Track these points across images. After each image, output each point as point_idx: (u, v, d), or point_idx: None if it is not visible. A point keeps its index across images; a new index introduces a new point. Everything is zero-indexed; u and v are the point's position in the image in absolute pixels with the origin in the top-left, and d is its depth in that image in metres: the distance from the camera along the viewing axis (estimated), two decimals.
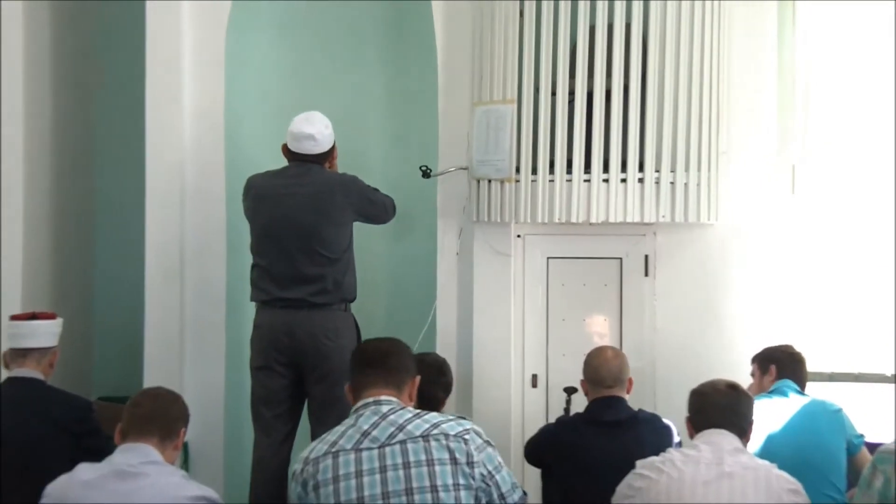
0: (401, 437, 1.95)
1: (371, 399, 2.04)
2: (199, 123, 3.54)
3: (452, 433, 1.95)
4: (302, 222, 2.94)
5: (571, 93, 3.17)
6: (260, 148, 3.51)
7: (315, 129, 2.99)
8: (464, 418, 2.07)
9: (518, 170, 3.21)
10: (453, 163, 3.41)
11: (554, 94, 3.19)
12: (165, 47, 3.44)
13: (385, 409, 2.01)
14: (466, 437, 1.96)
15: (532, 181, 3.19)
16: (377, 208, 3.13)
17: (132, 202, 3.60)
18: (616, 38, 3.09)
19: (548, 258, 3.40)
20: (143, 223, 3.47)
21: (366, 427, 1.98)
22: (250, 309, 3.13)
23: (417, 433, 1.95)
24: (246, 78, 3.62)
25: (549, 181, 3.17)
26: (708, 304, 3.28)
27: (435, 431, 1.96)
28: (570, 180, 3.15)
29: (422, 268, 3.60)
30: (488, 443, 2.02)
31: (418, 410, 2.05)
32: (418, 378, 2.19)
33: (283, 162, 3.10)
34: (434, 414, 2.03)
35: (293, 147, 3.02)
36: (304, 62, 3.70)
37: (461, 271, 3.45)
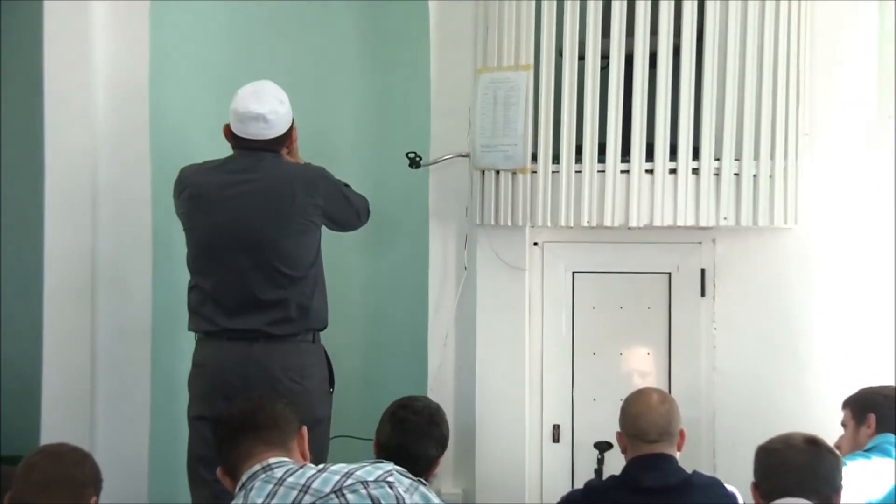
0: (308, 499, 1.96)
1: (258, 466, 2.05)
2: (117, 101, 3.51)
3: (371, 479, 1.97)
4: (254, 231, 2.92)
5: (605, 56, 3.13)
6: (196, 131, 3.49)
7: (266, 107, 2.93)
8: (382, 461, 2.10)
9: (535, 157, 3.18)
10: (450, 149, 3.39)
11: (582, 58, 3.14)
12: (68, 2, 3.40)
13: (279, 472, 2.03)
14: (390, 479, 1.99)
15: (553, 172, 3.16)
16: (350, 210, 3.12)
17: (33, 204, 3.57)
18: None
19: (573, 273, 3.38)
20: (41, 231, 3.45)
21: (260, 501, 1.98)
22: (188, 342, 3.10)
23: (328, 489, 1.97)
24: (177, 42, 3.58)
25: (576, 172, 3.14)
26: (784, 335, 3.25)
27: (349, 482, 1.97)
28: (602, 171, 3.12)
29: (409, 286, 3.60)
30: (420, 482, 2.06)
31: (321, 465, 2.06)
32: (305, 430, 2.23)
33: (226, 149, 3.05)
34: (342, 465, 2.04)
35: (238, 131, 2.97)
36: (256, 20, 3.67)
37: (460, 290, 3.44)
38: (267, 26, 3.69)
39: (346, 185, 3.14)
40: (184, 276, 3.08)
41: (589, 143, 3.14)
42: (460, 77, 3.39)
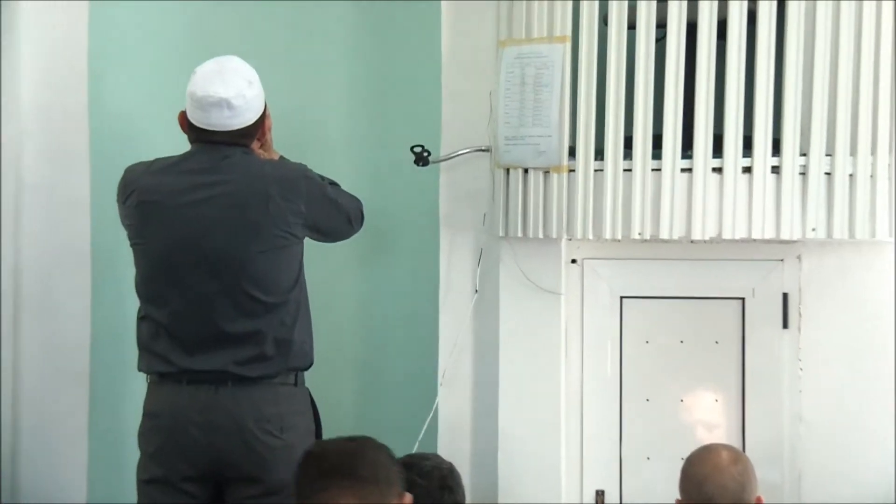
0: None
1: None
2: (47, 80, 3.51)
3: None
4: (219, 247, 2.91)
5: (661, 26, 3.11)
6: (146, 120, 3.50)
7: (231, 89, 2.91)
8: None
9: (573, 152, 3.18)
10: (465, 142, 3.41)
11: (632, 27, 3.14)
12: None
13: None
14: None
15: (596, 171, 3.17)
16: (340, 216, 3.13)
17: None
18: None
19: (621, 298, 3.38)
20: None
21: None
22: (138, 385, 3.08)
23: None
24: (123, 13, 3.61)
25: (625, 171, 3.14)
26: (887, 376, 3.20)
27: None
28: (658, 170, 3.12)
29: (414, 313, 3.64)
30: None
31: None
32: (409, 498, 2.28)
33: (183, 143, 3.03)
34: None
35: (197, 120, 2.96)
36: None
37: (480, 319, 3.47)
38: None
39: (333, 184, 3.15)
40: (132, 303, 3.05)
41: (641, 134, 3.12)
42: (479, 51, 3.41)
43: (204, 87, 2.91)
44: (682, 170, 3.10)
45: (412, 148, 3.37)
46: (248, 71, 2.98)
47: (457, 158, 3.41)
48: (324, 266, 3.34)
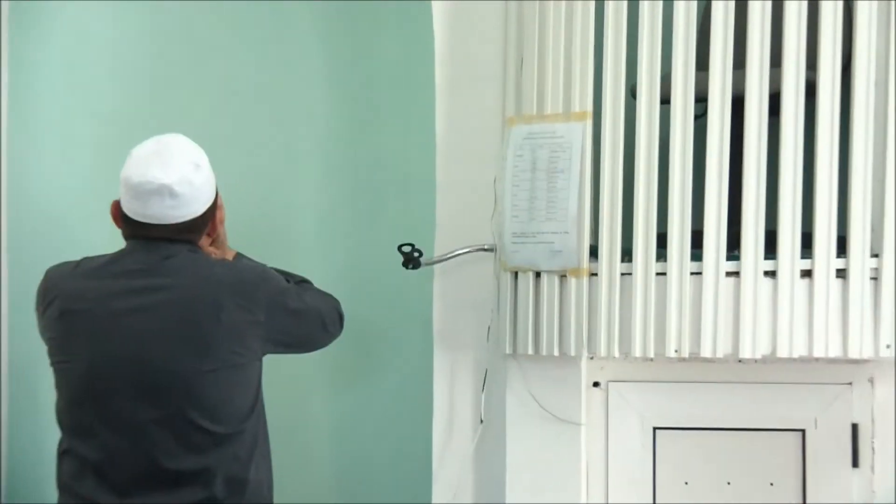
0: None
1: None
2: None
3: None
4: (159, 367, 2.86)
5: (701, 100, 3.11)
6: (73, 210, 3.62)
7: (174, 173, 2.88)
8: None
9: (595, 252, 3.18)
10: (464, 239, 3.41)
11: (666, 101, 3.12)
12: None
13: None
14: None
15: (623, 275, 3.15)
16: (310, 322, 3.09)
17: None
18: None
19: (654, 429, 3.34)
20: None
21: None
22: None
23: None
24: (45, 71, 3.71)
25: (657, 275, 3.12)
26: None
27: None
28: (698, 273, 3.09)
29: (403, 448, 3.69)
30: None
31: None
32: None
33: (116, 238, 2.97)
34: None
35: (133, 212, 2.91)
36: (166, 27, 3.86)
37: (482, 455, 3.46)
38: (190, 39, 3.87)
39: (304, 281, 3.18)
40: (52, 433, 2.97)
41: (678, 230, 3.11)
42: (481, 132, 3.43)
43: (141, 172, 2.87)
44: (728, 273, 3.07)
45: (400, 247, 3.32)
46: (195, 152, 2.95)
47: (454, 260, 3.39)
48: (289, 387, 3.45)
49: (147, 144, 2.94)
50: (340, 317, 3.17)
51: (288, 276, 3.08)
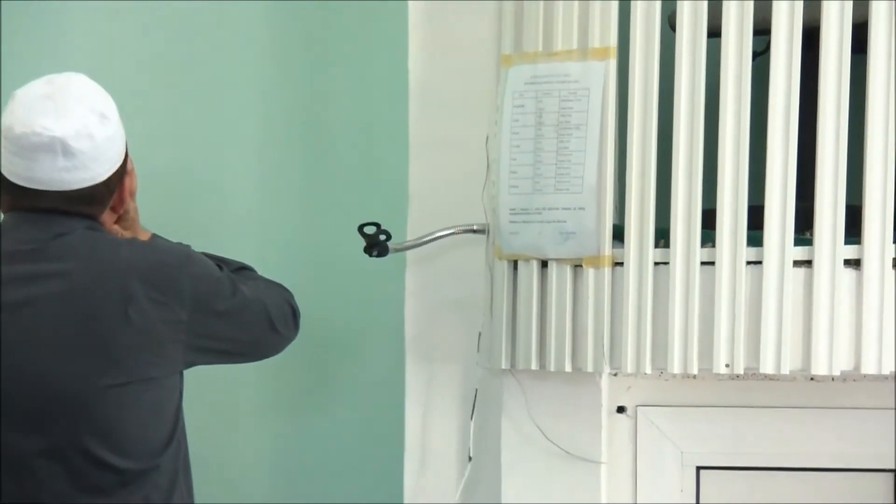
0: None
1: None
2: None
3: None
4: (47, 380, 2.79)
5: (762, 31, 3.01)
6: None
7: (71, 123, 2.80)
8: None
9: (618, 234, 3.13)
10: (445, 218, 3.38)
11: (715, 34, 3.05)
12: None
13: None
14: None
15: (657, 264, 3.10)
16: (251, 322, 3.05)
17: None
18: None
19: (698, 468, 3.30)
20: None
21: None
22: None
23: None
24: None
25: (703, 264, 3.06)
26: None
27: None
28: (756, 262, 3.04)
29: (364, 493, 3.76)
30: None
31: None
32: None
33: None
34: None
35: (14, 173, 2.84)
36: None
37: (472, 499, 3.46)
38: None
39: (243, 268, 3.16)
40: None
41: (730, 204, 3.05)
42: (469, 72, 3.42)
43: (26, 120, 2.80)
44: (797, 262, 3.01)
45: (361, 228, 3.26)
46: (101, 98, 2.90)
47: (433, 245, 3.34)
48: (218, 409, 3.60)
49: (37, 85, 2.88)
50: (294, 311, 3.13)
51: (221, 262, 3.03)
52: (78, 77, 2.92)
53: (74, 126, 2.80)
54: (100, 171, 2.85)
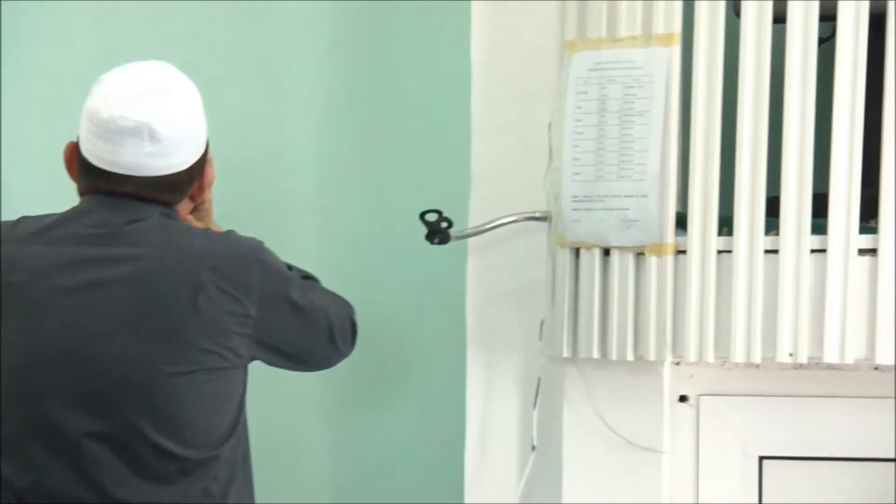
0: None
1: None
2: None
3: None
4: (110, 364, 2.80)
5: (828, 17, 3.02)
6: (15, 156, 3.85)
7: (160, 111, 2.83)
8: None
9: (682, 223, 3.14)
10: (508, 205, 3.38)
11: (781, 20, 3.05)
12: None
13: None
14: None
15: (721, 252, 3.11)
16: (315, 330, 3.05)
17: None
18: None
19: (761, 458, 3.28)
20: None
21: None
22: None
23: None
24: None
25: (767, 252, 3.07)
26: None
27: None
28: (821, 250, 3.04)
29: (424, 481, 3.79)
30: None
31: None
32: None
33: (68, 193, 2.95)
34: None
35: (98, 156, 2.85)
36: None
37: (531, 492, 3.46)
38: None
39: (308, 278, 3.08)
40: None
41: (795, 192, 3.06)
42: (532, 58, 3.43)
43: (113, 105, 2.82)
44: (862, 251, 3.01)
45: (423, 215, 3.28)
46: (190, 91, 2.92)
47: (495, 232, 3.36)
48: (281, 401, 3.58)
49: (120, 70, 2.90)
50: (353, 327, 3.14)
51: (288, 266, 3.04)
52: (163, 65, 2.95)
53: (162, 114, 2.83)
54: (184, 159, 2.88)
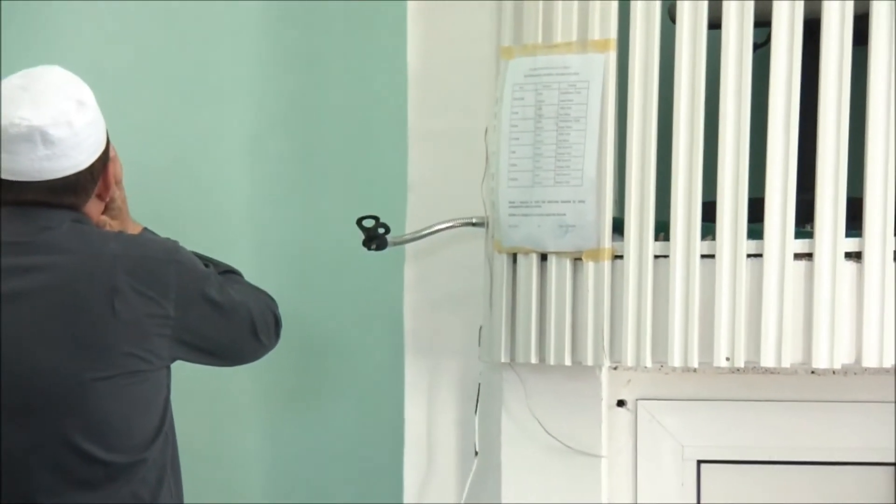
0: None
1: None
2: None
3: None
4: (32, 373, 2.81)
5: (762, 24, 3.04)
6: None
7: (49, 112, 2.84)
8: None
9: (619, 227, 3.15)
10: (444, 211, 3.38)
11: (716, 26, 3.07)
12: None
13: None
14: None
15: (657, 257, 3.11)
16: (236, 324, 3.06)
17: None
18: None
19: (699, 462, 3.31)
20: None
21: None
22: None
23: None
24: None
25: (703, 257, 3.08)
26: None
27: None
28: (757, 255, 3.06)
29: (362, 489, 3.78)
30: None
31: None
32: None
33: None
34: None
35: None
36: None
37: (476, 495, 3.44)
38: None
39: (230, 272, 3.14)
40: None
41: (730, 197, 3.07)
42: (468, 64, 3.42)
43: (4, 113, 2.82)
44: (797, 255, 3.02)
45: (360, 221, 3.27)
46: (78, 87, 2.91)
47: (432, 238, 3.35)
48: (211, 404, 3.63)
49: (11, 79, 2.89)
50: (276, 321, 3.14)
51: (208, 262, 3.04)
52: (52, 68, 2.95)
53: (51, 114, 2.84)
54: (81, 159, 2.88)
